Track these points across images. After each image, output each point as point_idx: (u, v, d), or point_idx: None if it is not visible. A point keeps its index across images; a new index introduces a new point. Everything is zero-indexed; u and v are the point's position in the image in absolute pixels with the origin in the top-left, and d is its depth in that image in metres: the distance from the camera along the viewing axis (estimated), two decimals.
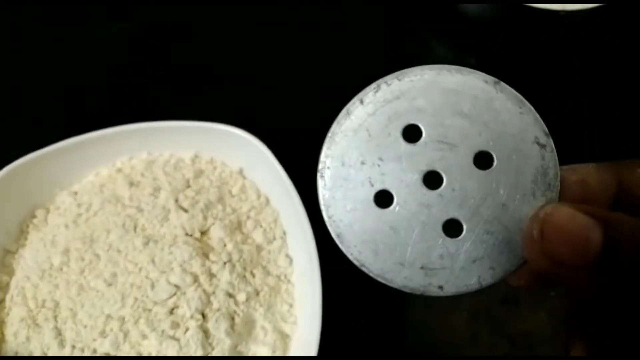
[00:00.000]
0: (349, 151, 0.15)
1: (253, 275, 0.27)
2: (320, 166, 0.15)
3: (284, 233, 0.29)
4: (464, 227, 0.15)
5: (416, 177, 0.15)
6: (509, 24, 0.37)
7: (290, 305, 0.27)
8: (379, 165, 0.15)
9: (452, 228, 0.15)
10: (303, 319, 0.27)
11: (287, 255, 0.28)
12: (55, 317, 0.26)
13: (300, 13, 0.39)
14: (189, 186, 0.29)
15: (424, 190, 0.15)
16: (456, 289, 0.15)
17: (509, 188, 0.15)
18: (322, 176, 0.15)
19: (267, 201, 0.29)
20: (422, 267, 0.15)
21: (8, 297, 0.27)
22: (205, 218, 0.27)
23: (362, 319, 0.30)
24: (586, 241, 0.13)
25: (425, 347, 0.31)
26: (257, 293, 0.27)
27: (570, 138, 0.35)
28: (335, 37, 0.38)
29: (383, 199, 0.15)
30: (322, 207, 0.15)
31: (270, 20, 0.39)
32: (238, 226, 0.28)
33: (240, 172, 0.30)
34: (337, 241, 0.15)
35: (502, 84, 0.15)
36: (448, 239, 0.15)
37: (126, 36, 0.38)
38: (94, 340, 0.25)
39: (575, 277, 0.13)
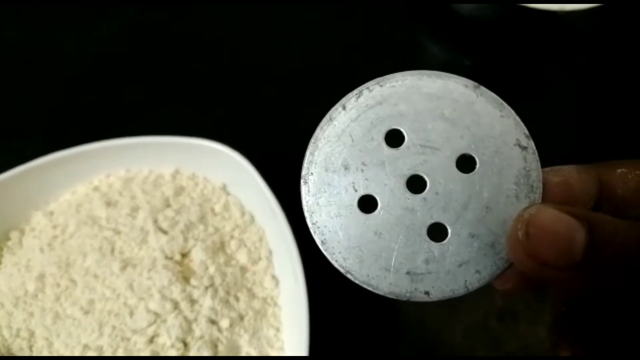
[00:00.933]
0: (332, 157, 0.15)
1: (237, 299, 0.26)
2: (303, 172, 0.15)
3: (270, 252, 0.27)
4: (449, 230, 0.15)
5: (400, 182, 0.15)
6: (505, 24, 0.35)
7: (277, 330, 0.26)
8: (362, 170, 0.15)
9: (436, 232, 0.15)
10: (290, 343, 0.25)
11: (273, 276, 0.27)
12: (30, 347, 0.25)
13: (285, 19, 0.37)
14: (168, 205, 0.27)
15: (408, 194, 0.15)
16: (442, 294, 0.15)
17: (492, 190, 0.15)
18: (305, 182, 0.15)
19: (252, 219, 0.28)
20: (407, 273, 0.15)
21: None
22: (185, 240, 0.26)
23: (353, 342, 0.29)
24: (570, 242, 0.13)
25: None
26: (242, 318, 0.26)
27: (558, 139, 0.34)
28: (323, 44, 0.37)
29: (367, 204, 0.15)
30: (306, 214, 0.15)
31: (255, 30, 0.37)
32: (221, 247, 0.27)
33: (224, 187, 0.29)
34: (322, 248, 0.15)
35: (482, 87, 0.15)
36: (433, 243, 0.15)
37: (104, 45, 0.37)
38: None
39: (560, 278, 0.14)
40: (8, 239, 0.28)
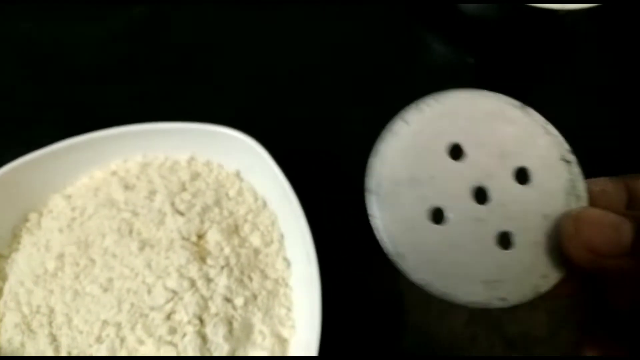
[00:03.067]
0: (398, 170, 0.15)
1: (250, 279, 0.27)
2: (371, 186, 0.15)
3: (282, 236, 0.28)
4: (515, 238, 0.15)
5: (466, 193, 0.15)
6: (508, 23, 0.37)
7: (288, 309, 0.27)
8: (429, 183, 0.15)
9: (504, 240, 0.16)
10: (301, 322, 0.26)
11: (284, 259, 0.28)
12: (50, 323, 0.25)
13: (301, 12, 0.38)
14: (185, 189, 0.28)
15: (475, 205, 0.15)
16: (517, 298, 0.15)
17: (547, 200, 0.16)
18: (374, 197, 0.15)
19: (264, 204, 0.29)
20: (482, 281, 0.15)
21: (1, 303, 0.26)
22: (202, 222, 0.27)
23: (358, 323, 0.30)
24: (618, 230, 0.14)
25: (423, 349, 0.31)
26: (255, 297, 0.26)
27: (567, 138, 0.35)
28: (334, 37, 0.38)
29: (437, 215, 0.15)
30: (378, 229, 0.15)
31: (273, 17, 0.38)
32: (235, 229, 0.28)
33: (237, 174, 0.30)
34: (399, 263, 0.15)
35: (528, 107, 0.17)
36: (502, 251, 0.15)
37: (119, 33, 0.38)
38: (90, 346, 0.25)
39: (613, 268, 0.15)
40: (27, 220, 0.28)
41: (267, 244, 0.28)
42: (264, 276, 0.27)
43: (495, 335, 0.31)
